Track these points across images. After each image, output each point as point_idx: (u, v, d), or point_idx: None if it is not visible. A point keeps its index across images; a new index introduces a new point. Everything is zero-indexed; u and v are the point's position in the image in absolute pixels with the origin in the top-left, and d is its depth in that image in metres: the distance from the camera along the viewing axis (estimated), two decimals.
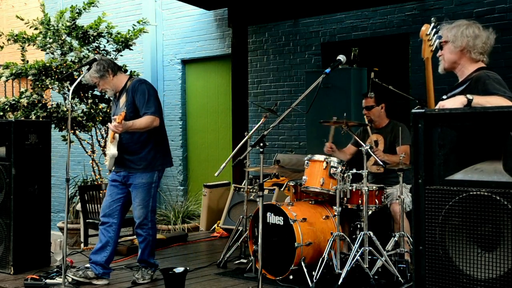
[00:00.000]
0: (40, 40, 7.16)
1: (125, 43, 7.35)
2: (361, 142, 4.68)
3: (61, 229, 7.55)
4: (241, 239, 5.13)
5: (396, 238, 4.50)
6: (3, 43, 7.24)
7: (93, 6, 7.28)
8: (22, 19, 7.17)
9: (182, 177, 8.80)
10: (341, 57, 3.83)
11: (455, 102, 2.85)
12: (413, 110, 2.64)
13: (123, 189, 4.60)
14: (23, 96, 7.01)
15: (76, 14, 7.17)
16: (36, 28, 7.22)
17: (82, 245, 6.38)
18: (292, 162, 6.57)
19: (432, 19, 3.01)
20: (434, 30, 3.00)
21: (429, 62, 2.97)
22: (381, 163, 4.62)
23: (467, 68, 3.25)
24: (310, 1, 7.01)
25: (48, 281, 4.40)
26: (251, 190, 5.80)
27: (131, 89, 4.50)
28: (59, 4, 9.99)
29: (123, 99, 4.55)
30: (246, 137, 4.89)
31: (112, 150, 4.45)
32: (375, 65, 5.78)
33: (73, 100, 7.09)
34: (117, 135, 4.42)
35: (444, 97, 3.11)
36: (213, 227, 6.87)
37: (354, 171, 4.67)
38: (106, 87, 4.64)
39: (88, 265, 4.56)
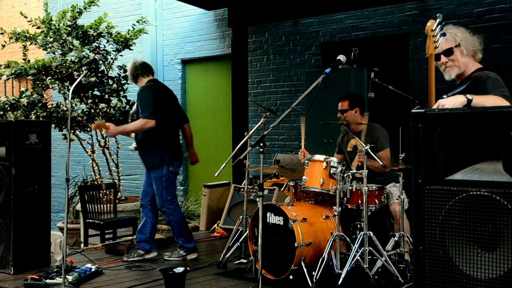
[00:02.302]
0: (42, 39, 7.16)
1: (125, 43, 7.36)
2: (361, 143, 4.67)
3: (61, 229, 7.55)
4: (241, 239, 5.13)
5: (396, 238, 4.50)
6: (5, 41, 7.23)
7: (93, 5, 7.28)
8: (25, 17, 7.18)
9: (182, 177, 8.80)
10: (341, 57, 3.82)
11: (455, 101, 2.85)
12: (413, 110, 2.64)
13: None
14: (23, 95, 7.01)
15: (77, 14, 7.17)
16: (38, 27, 7.22)
17: (82, 245, 6.37)
18: (292, 162, 6.56)
19: (438, 15, 2.97)
20: (440, 26, 2.96)
21: (432, 58, 2.94)
22: (381, 163, 4.62)
23: (470, 69, 3.32)
24: (310, 1, 7.01)
25: (48, 281, 4.39)
26: (251, 190, 5.80)
27: (136, 96, 5.30)
28: (59, 4, 9.99)
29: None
30: (246, 137, 4.88)
31: (133, 144, 5.35)
32: (375, 65, 5.77)
33: (73, 100, 7.08)
34: (132, 133, 5.33)
35: (445, 96, 3.11)
36: (213, 227, 6.86)
37: (354, 171, 4.68)
38: None
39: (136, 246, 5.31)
